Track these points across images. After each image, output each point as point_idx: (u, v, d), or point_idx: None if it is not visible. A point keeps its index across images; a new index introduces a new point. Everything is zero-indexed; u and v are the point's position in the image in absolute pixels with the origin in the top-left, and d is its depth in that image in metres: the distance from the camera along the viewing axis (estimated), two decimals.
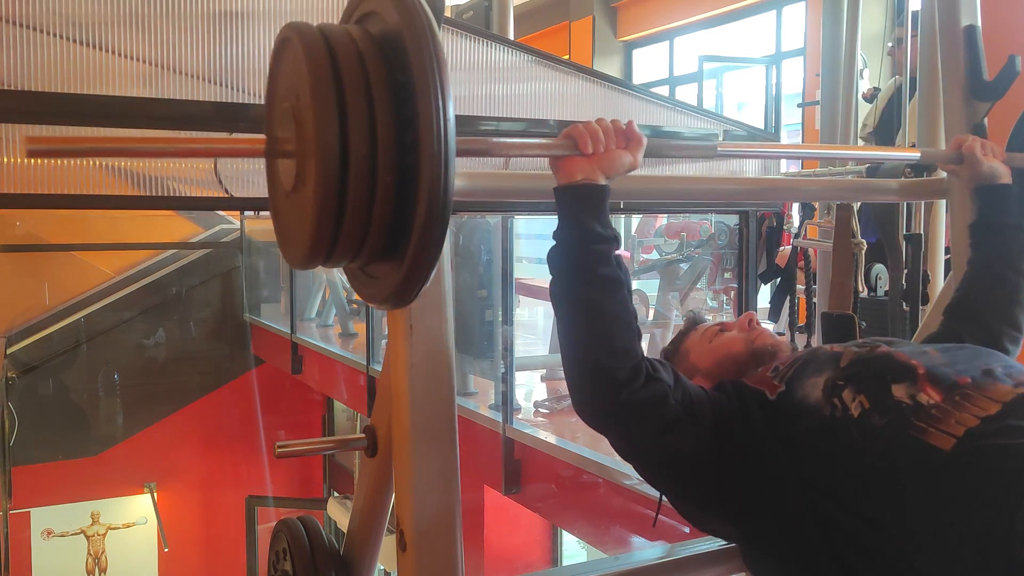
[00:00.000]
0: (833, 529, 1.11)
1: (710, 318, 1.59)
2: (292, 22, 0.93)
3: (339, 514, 6.26)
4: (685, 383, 1.22)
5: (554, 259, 1.17)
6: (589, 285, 1.14)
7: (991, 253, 1.53)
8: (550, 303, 1.18)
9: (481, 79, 2.59)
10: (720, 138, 3.10)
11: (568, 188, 1.16)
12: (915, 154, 1.64)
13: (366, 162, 0.85)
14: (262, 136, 0.97)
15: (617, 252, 1.17)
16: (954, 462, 1.05)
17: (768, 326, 1.60)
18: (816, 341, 2.99)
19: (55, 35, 2.16)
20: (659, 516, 1.51)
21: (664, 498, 1.36)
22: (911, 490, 1.07)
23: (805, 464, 1.16)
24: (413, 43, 0.85)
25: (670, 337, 1.77)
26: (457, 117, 0.85)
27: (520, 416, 4.14)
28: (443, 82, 0.84)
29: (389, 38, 0.88)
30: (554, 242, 1.18)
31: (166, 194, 2.43)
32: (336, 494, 7.39)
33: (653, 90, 3.99)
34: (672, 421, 1.17)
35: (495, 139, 1.15)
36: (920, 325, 1.99)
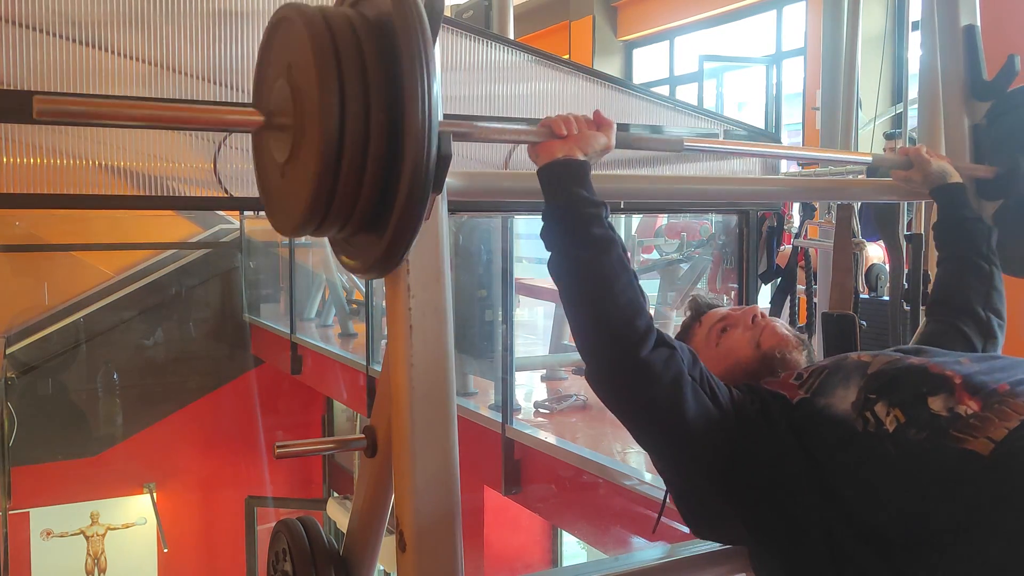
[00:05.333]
0: (842, 555, 1.09)
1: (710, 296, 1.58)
2: (289, 2, 0.98)
3: (339, 514, 6.26)
4: (703, 366, 1.19)
5: (547, 233, 1.18)
6: (585, 247, 1.14)
7: (960, 247, 1.58)
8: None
9: (481, 79, 2.58)
10: (720, 136, 3.10)
11: (550, 164, 1.19)
12: (867, 158, 1.69)
13: (361, 136, 0.92)
14: (253, 108, 1.02)
15: (608, 216, 1.17)
16: (993, 466, 1.02)
17: None
18: (816, 341, 2.98)
19: (55, 35, 2.16)
20: (661, 517, 1.50)
21: (668, 499, 1.35)
22: (949, 497, 1.03)
23: (827, 475, 1.13)
24: (403, 28, 0.91)
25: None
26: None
27: (520, 416, 4.14)
28: (429, 65, 0.90)
29: (382, 22, 0.95)
30: (544, 222, 1.18)
31: (166, 194, 2.42)
32: (336, 494, 7.39)
33: (653, 90, 3.98)
34: (690, 394, 1.13)
35: (479, 124, 1.21)
36: (920, 325, 1.98)
